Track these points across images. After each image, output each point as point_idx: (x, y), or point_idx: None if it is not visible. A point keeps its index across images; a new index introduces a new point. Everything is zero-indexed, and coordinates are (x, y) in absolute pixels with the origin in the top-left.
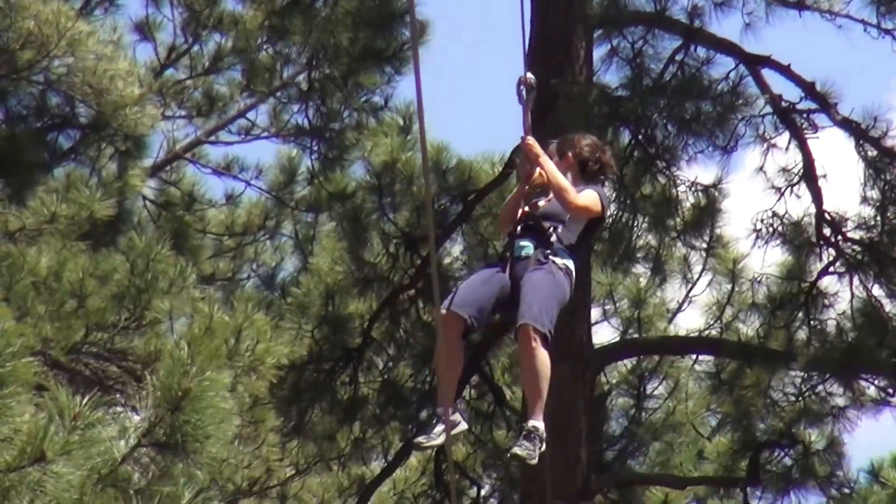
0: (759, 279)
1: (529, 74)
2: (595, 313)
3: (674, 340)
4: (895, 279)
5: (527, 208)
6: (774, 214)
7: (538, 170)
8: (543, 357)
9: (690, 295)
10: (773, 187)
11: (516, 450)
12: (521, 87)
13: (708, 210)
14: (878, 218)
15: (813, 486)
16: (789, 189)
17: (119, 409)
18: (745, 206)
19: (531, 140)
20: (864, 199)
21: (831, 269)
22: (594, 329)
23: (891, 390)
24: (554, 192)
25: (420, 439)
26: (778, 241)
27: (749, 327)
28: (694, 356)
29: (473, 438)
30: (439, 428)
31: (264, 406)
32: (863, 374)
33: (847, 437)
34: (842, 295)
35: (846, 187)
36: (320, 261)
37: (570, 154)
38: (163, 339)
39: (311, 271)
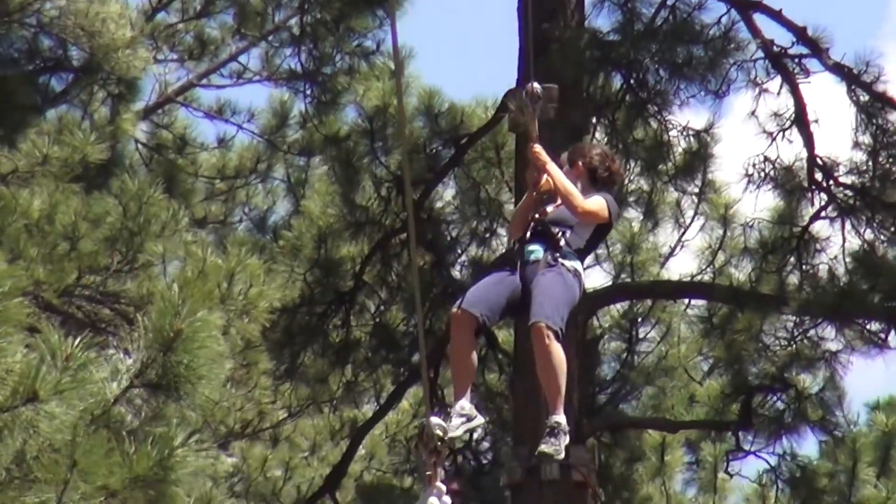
0: (750, 224)
1: (536, 84)
2: (587, 257)
3: (666, 285)
4: (887, 224)
5: (536, 214)
6: (766, 159)
7: (545, 176)
8: (559, 352)
9: (682, 240)
10: (764, 132)
11: (543, 447)
12: (527, 96)
13: (700, 155)
14: (870, 163)
15: (805, 431)
16: (781, 134)
17: (111, 351)
18: (737, 151)
19: (538, 148)
20: (856, 144)
21: (823, 213)
22: (586, 273)
23: (883, 334)
24: (561, 197)
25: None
26: (769, 186)
27: (741, 272)
28: (686, 300)
29: None
30: (457, 421)
31: (257, 349)
32: (855, 318)
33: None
34: (833, 239)
35: (838, 132)
36: (312, 204)
37: (580, 163)
38: (155, 282)
39: (304, 214)
